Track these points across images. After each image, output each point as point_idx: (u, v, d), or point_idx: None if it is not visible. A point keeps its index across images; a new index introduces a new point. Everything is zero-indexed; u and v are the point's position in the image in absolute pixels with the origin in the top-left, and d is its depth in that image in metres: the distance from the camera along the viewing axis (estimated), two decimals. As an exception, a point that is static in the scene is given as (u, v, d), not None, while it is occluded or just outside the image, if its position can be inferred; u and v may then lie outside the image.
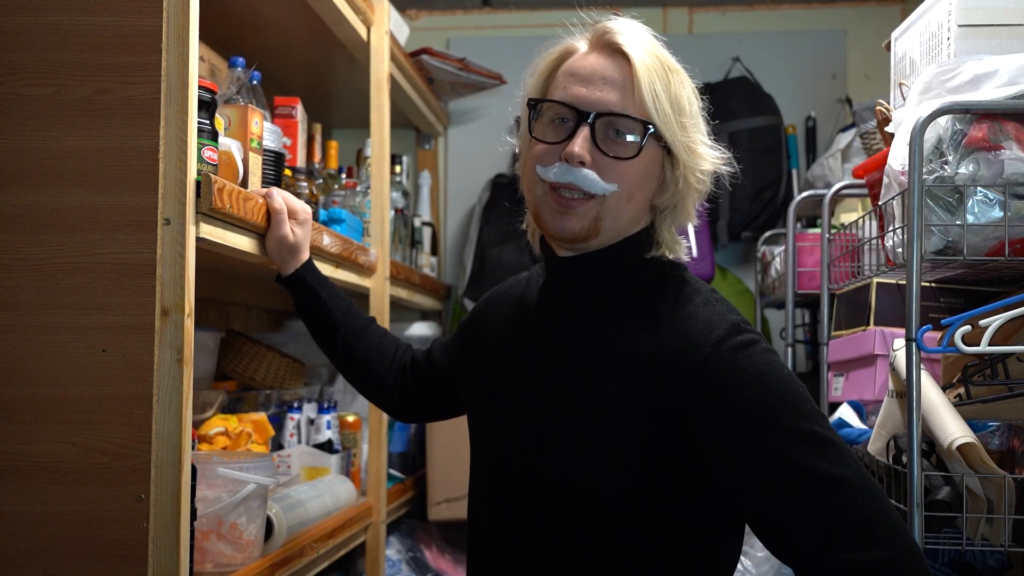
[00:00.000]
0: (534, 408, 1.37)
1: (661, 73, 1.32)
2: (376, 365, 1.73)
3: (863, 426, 1.99)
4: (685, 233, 1.45)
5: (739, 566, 2.37)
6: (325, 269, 1.95)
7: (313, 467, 2.22)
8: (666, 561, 1.31)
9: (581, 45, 1.40)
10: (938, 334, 1.58)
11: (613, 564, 1.30)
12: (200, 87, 1.46)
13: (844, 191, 2.51)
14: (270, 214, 1.65)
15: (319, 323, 1.73)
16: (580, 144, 1.30)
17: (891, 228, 1.67)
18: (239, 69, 1.85)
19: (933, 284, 1.91)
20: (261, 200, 1.63)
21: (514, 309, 1.49)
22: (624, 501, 1.29)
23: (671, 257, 1.41)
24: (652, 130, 1.31)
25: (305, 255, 1.72)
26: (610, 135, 1.31)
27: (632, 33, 1.34)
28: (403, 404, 1.75)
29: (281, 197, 1.67)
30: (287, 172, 2.01)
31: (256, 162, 1.76)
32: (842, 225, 2.40)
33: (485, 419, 1.48)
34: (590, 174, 1.30)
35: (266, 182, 1.82)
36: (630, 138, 1.31)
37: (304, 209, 1.71)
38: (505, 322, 1.49)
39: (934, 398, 1.60)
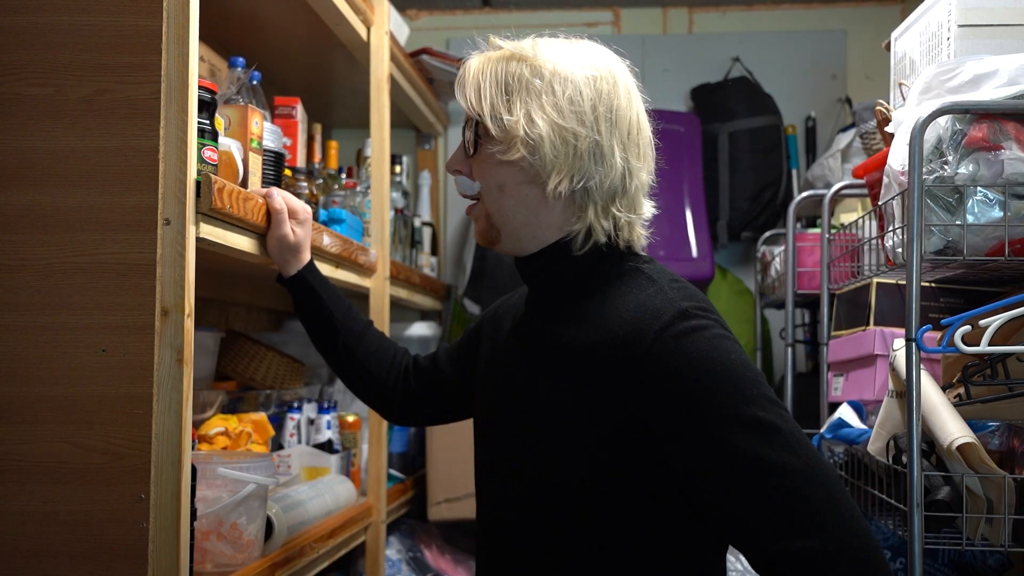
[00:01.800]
0: (514, 408, 1.40)
1: (499, 66, 1.35)
2: (375, 368, 1.72)
3: (863, 426, 1.99)
4: (645, 224, 1.45)
5: (739, 565, 2.37)
6: (325, 269, 1.95)
7: (313, 467, 2.22)
8: (641, 554, 1.31)
9: None
10: (938, 334, 1.58)
11: (591, 558, 1.31)
12: (200, 87, 1.46)
13: (844, 191, 2.51)
14: (270, 214, 1.65)
15: (319, 325, 1.72)
16: (452, 155, 1.42)
17: (891, 228, 1.67)
18: (239, 69, 1.85)
19: (933, 284, 1.91)
20: (261, 200, 1.63)
21: (512, 317, 1.52)
22: (590, 494, 1.30)
23: (634, 248, 1.41)
24: (479, 121, 1.35)
25: (306, 255, 1.72)
26: (471, 137, 1.39)
27: (492, 42, 1.40)
28: (403, 407, 1.75)
29: (281, 197, 1.67)
30: (287, 172, 2.01)
31: (256, 162, 1.76)
32: (842, 225, 2.40)
33: (480, 422, 1.52)
34: (462, 179, 1.41)
35: (266, 182, 1.82)
36: (469, 133, 1.39)
37: (304, 209, 1.71)
38: (504, 330, 1.52)
39: (934, 398, 1.60)
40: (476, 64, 1.37)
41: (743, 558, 2.37)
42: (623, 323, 1.29)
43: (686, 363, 1.23)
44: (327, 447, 2.29)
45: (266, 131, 1.82)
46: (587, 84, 1.33)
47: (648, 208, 1.44)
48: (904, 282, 1.69)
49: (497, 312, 1.59)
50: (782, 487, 1.18)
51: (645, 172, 1.42)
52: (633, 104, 1.39)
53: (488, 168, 1.37)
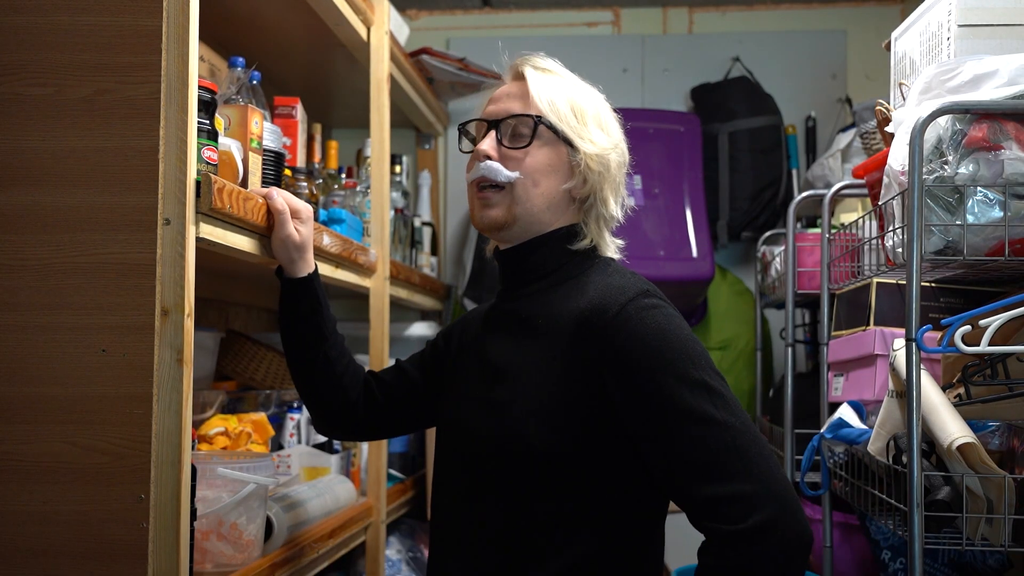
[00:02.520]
0: (486, 385, 1.53)
1: (558, 82, 1.56)
2: (348, 382, 1.72)
3: (863, 426, 1.99)
4: (612, 233, 1.64)
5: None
6: (325, 269, 1.95)
7: (313, 467, 2.22)
8: (600, 515, 1.43)
9: (505, 80, 1.63)
10: (938, 334, 1.58)
11: (549, 521, 1.43)
12: (200, 87, 1.46)
13: (844, 191, 2.51)
14: (272, 215, 1.64)
15: (310, 331, 1.70)
16: (486, 142, 1.55)
17: (891, 228, 1.67)
18: (239, 69, 1.85)
19: (933, 284, 1.91)
20: (261, 200, 1.63)
21: (481, 320, 1.66)
22: (554, 454, 1.43)
23: (606, 255, 1.58)
24: (542, 120, 1.52)
25: (311, 255, 1.71)
26: (512, 133, 1.54)
27: (537, 60, 1.59)
28: (366, 420, 1.75)
29: (282, 197, 1.67)
30: (287, 172, 2.01)
31: (256, 162, 1.76)
32: (842, 225, 2.40)
33: (447, 417, 1.61)
34: (494, 164, 1.53)
35: (266, 182, 1.82)
36: (525, 131, 1.54)
37: (306, 208, 1.70)
38: (473, 331, 1.65)
39: (934, 398, 1.60)
40: (542, 79, 1.56)
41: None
42: (591, 298, 1.46)
43: (645, 331, 1.40)
44: (327, 447, 2.29)
45: (266, 131, 1.82)
46: (621, 127, 1.61)
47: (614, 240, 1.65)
48: (904, 282, 1.69)
49: (465, 320, 1.72)
50: (721, 438, 1.34)
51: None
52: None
53: (535, 162, 1.53)
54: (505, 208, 1.53)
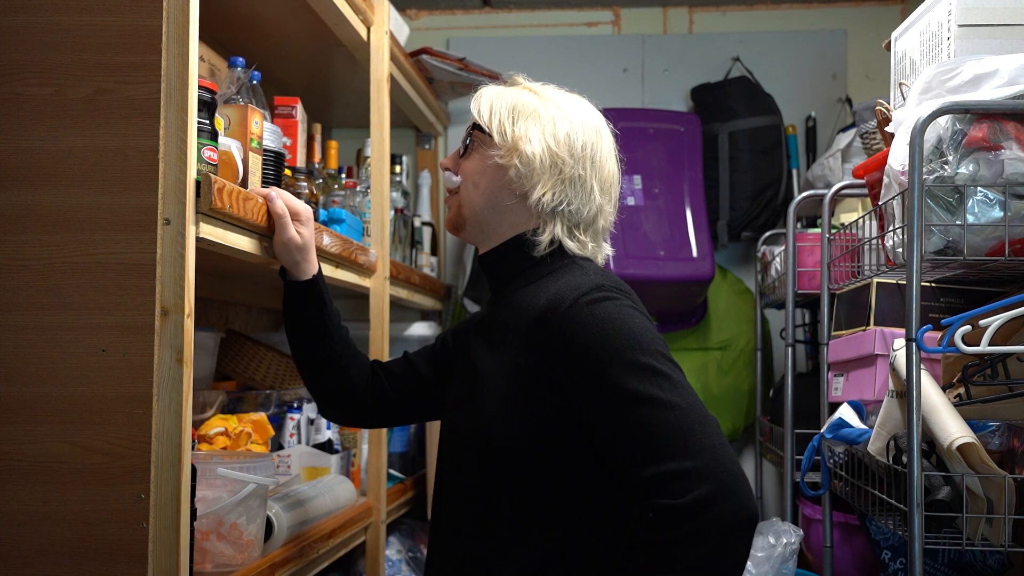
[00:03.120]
0: (467, 388, 1.58)
1: (518, 95, 1.59)
2: (353, 372, 1.76)
3: (863, 426, 1.99)
4: (604, 239, 1.65)
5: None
6: (325, 269, 1.95)
7: (313, 467, 2.22)
8: (565, 510, 1.46)
9: None
10: (938, 334, 1.58)
11: (520, 516, 1.47)
12: (200, 87, 1.46)
13: (844, 191, 2.51)
14: (272, 217, 1.64)
15: (315, 329, 1.73)
16: (450, 155, 1.65)
17: (891, 228, 1.67)
18: (239, 69, 1.85)
19: (933, 284, 1.91)
20: (261, 200, 1.63)
21: (474, 325, 1.68)
22: (517, 450, 1.46)
23: (578, 254, 1.58)
24: (477, 127, 1.59)
25: (314, 255, 1.73)
26: (464, 140, 1.63)
27: (523, 82, 1.65)
28: (373, 409, 1.79)
29: (282, 199, 1.67)
30: (287, 172, 2.01)
31: (256, 162, 1.76)
32: (842, 225, 2.40)
33: (445, 412, 1.66)
34: (447, 174, 1.64)
35: (266, 182, 1.82)
36: (468, 137, 1.62)
37: (306, 209, 1.71)
38: (466, 336, 1.68)
39: (934, 398, 1.60)
40: (493, 89, 1.63)
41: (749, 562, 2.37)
42: (548, 296, 1.48)
43: (592, 321, 1.41)
44: (327, 447, 2.29)
45: (266, 131, 1.82)
46: (582, 128, 1.58)
47: (606, 248, 1.64)
48: (904, 282, 1.69)
49: (465, 325, 1.74)
50: (664, 417, 1.34)
51: (612, 216, 1.63)
52: (612, 159, 1.62)
53: (473, 167, 1.60)
54: (455, 210, 1.63)
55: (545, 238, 1.56)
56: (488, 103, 1.60)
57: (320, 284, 1.72)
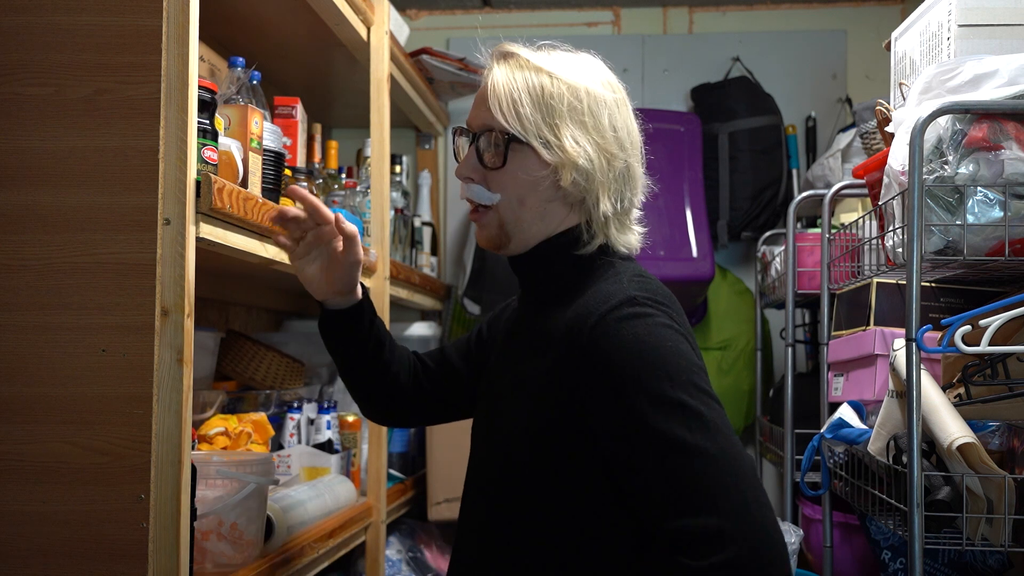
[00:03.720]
0: (497, 395, 1.47)
1: (532, 82, 1.39)
2: (403, 377, 1.65)
3: (863, 426, 1.99)
4: (637, 223, 1.50)
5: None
6: (325, 269, 1.95)
7: (313, 467, 2.22)
8: (586, 538, 1.33)
9: (486, 72, 1.47)
10: (938, 334, 1.58)
11: (542, 539, 1.35)
12: (200, 87, 1.46)
13: (844, 191, 2.51)
14: (344, 237, 1.52)
15: (372, 344, 1.61)
16: (463, 163, 1.44)
17: (891, 228, 1.67)
18: (239, 69, 1.85)
19: (933, 284, 1.91)
20: (261, 200, 1.63)
21: (508, 318, 1.58)
22: (537, 472, 1.35)
23: (621, 249, 1.45)
24: (512, 136, 1.39)
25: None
26: (490, 148, 1.42)
27: (516, 51, 1.42)
28: (414, 407, 1.70)
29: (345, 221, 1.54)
30: (287, 172, 2.01)
31: (256, 162, 1.76)
32: (842, 225, 2.40)
33: (475, 419, 1.56)
34: (477, 188, 1.43)
35: (266, 182, 1.82)
36: (498, 148, 1.41)
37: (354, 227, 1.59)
38: (501, 331, 1.58)
39: (934, 398, 1.60)
40: (503, 78, 1.40)
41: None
42: (577, 307, 1.35)
43: (619, 344, 1.28)
44: (327, 447, 2.29)
45: (266, 131, 1.82)
46: (615, 106, 1.41)
47: (636, 213, 1.49)
48: (904, 282, 1.69)
49: (500, 314, 1.64)
50: (691, 467, 1.21)
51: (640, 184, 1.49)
52: (632, 118, 1.46)
53: (517, 183, 1.41)
54: (496, 228, 1.44)
55: (595, 238, 1.42)
56: (509, 102, 1.39)
57: (368, 300, 1.61)
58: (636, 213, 1.47)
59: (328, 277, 1.54)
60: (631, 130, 1.43)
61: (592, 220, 1.42)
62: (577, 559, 1.34)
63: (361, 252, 1.56)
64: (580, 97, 1.39)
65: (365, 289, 1.62)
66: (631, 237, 1.47)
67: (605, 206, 1.40)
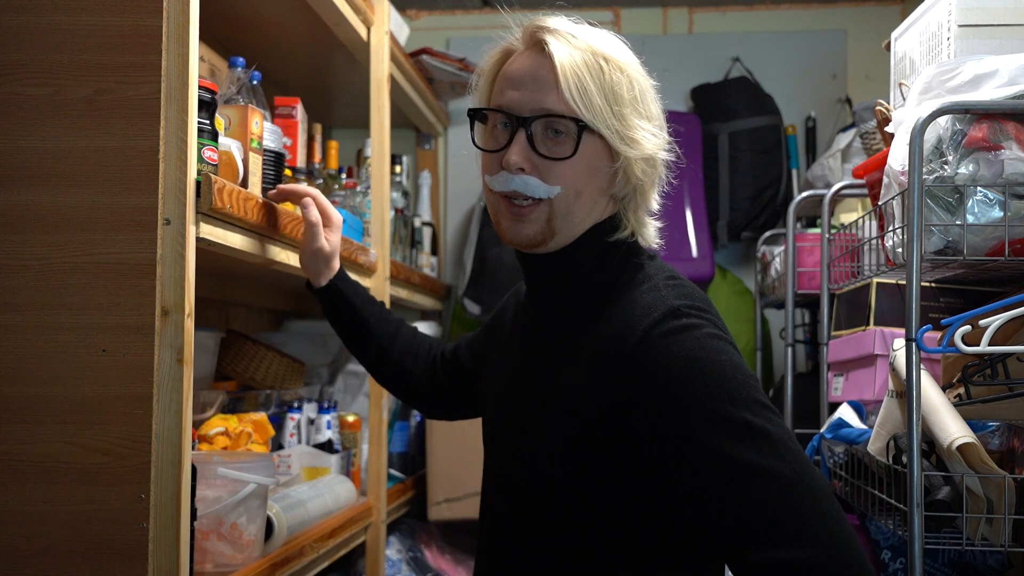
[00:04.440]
0: (514, 402, 1.40)
1: (592, 65, 1.30)
2: (411, 366, 1.72)
3: (863, 426, 1.99)
4: (653, 215, 1.43)
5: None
6: (325, 269, 1.95)
7: (313, 467, 2.22)
8: (626, 558, 1.27)
9: (518, 46, 1.37)
10: (938, 334, 1.58)
11: (575, 558, 1.29)
12: (200, 87, 1.46)
13: (844, 191, 2.51)
14: (305, 225, 1.65)
15: (354, 331, 1.72)
16: (517, 151, 1.30)
17: (891, 228, 1.67)
18: (239, 69, 1.85)
19: (933, 284, 1.91)
20: (261, 200, 1.63)
21: (511, 317, 1.53)
22: (577, 495, 1.28)
23: (641, 243, 1.40)
24: (584, 126, 1.29)
25: (337, 263, 1.71)
26: (548, 136, 1.31)
27: (560, 28, 1.32)
28: (436, 401, 1.75)
29: (315, 207, 1.66)
30: (287, 172, 2.01)
31: (256, 162, 1.76)
32: (842, 225, 2.40)
33: (486, 422, 1.52)
34: (531, 180, 1.30)
35: (266, 182, 1.82)
36: (565, 137, 1.30)
37: (336, 215, 1.70)
38: (510, 321, 1.53)
39: (934, 398, 1.60)
40: (568, 59, 1.29)
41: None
42: (614, 320, 1.27)
43: (672, 362, 1.19)
44: (327, 447, 2.29)
45: (266, 131, 1.82)
46: (651, 89, 1.37)
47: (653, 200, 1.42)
48: (904, 282, 1.69)
49: (505, 303, 1.61)
50: (767, 493, 1.12)
51: None
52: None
53: (577, 173, 1.31)
54: (544, 223, 1.32)
55: (628, 229, 1.36)
56: (579, 86, 1.28)
57: (342, 287, 1.69)
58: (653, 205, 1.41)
59: (300, 259, 1.68)
60: (663, 118, 1.38)
61: (628, 210, 1.37)
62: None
63: (320, 241, 1.64)
64: (634, 83, 1.33)
65: (332, 283, 1.69)
66: (652, 231, 1.41)
67: (651, 201, 1.37)
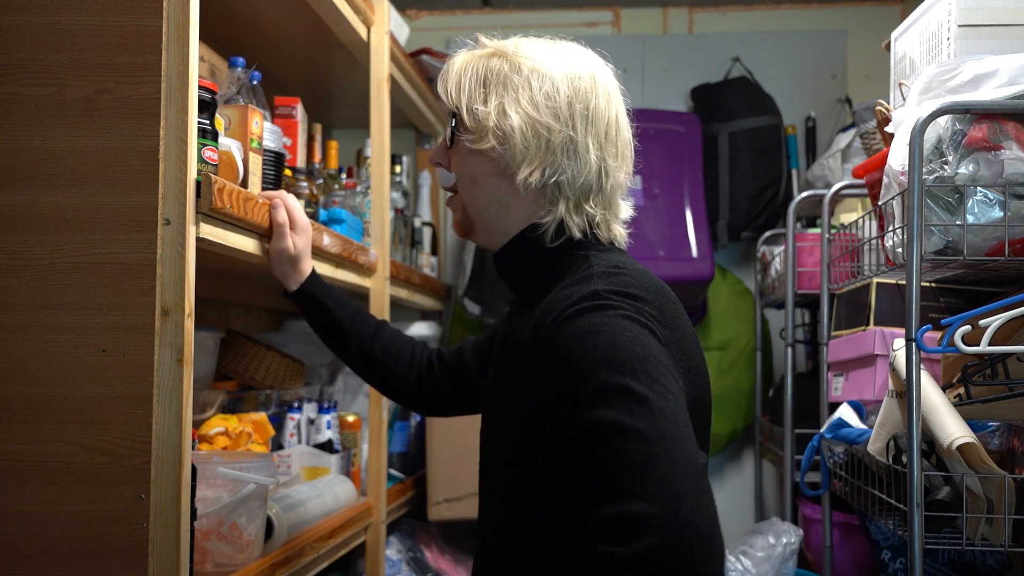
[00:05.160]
0: (490, 403, 1.48)
1: (478, 59, 1.39)
2: (394, 367, 1.76)
3: (863, 426, 1.99)
4: (618, 220, 1.44)
5: (739, 565, 2.37)
6: (325, 269, 1.95)
7: (313, 467, 2.22)
8: (570, 541, 1.30)
9: None
10: (938, 334, 1.58)
11: (540, 544, 1.33)
12: (200, 87, 1.46)
13: (844, 191, 2.51)
14: (272, 225, 1.66)
15: (330, 333, 1.76)
16: (434, 147, 1.44)
17: (891, 228, 1.67)
18: (239, 69, 1.85)
19: (933, 284, 1.91)
20: (263, 201, 1.63)
21: (504, 322, 1.59)
22: (526, 472, 1.33)
23: (601, 238, 1.40)
24: (456, 111, 1.39)
25: (307, 266, 1.74)
26: (447, 132, 1.44)
27: (480, 38, 1.44)
28: (430, 400, 1.79)
29: (284, 209, 1.68)
30: (287, 172, 2.01)
31: (256, 162, 1.76)
32: (842, 225, 2.40)
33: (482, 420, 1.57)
34: (440, 170, 1.46)
35: (266, 182, 1.82)
36: (449, 128, 1.43)
37: (304, 220, 1.72)
38: (503, 331, 1.58)
39: (934, 398, 1.60)
40: (460, 60, 1.41)
41: (743, 558, 2.37)
42: (543, 306, 1.31)
43: (575, 335, 1.22)
44: (327, 447, 2.29)
45: (266, 131, 1.82)
46: (565, 81, 1.36)
47: (625, 209, 1.44)
48: (904, 282, 1.69)
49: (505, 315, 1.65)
50: (625, 451, 1.13)
51: (623, 173, 1.42)
52: (612, 105, 1.40)
53: (462, 159, 1.41)
54: (460, 211, 1.44)
55: (550, 220, 1.37)
56: (456, 78, 1.39)
57: (313, 291, 1.73)
58: (609, 187, 1.40)
59: (268, 261, 1.70)
60: (586, 103, 1.36)
61: (557, 209, 1.38)
62: (563, 559, 1.31)
63: (285, 242, 1.67)
64: (521, 70, 1.36)
65: (301, 289, 1.73)
66: (610, 227, 1.41)
67: (532, 178, 1.35)
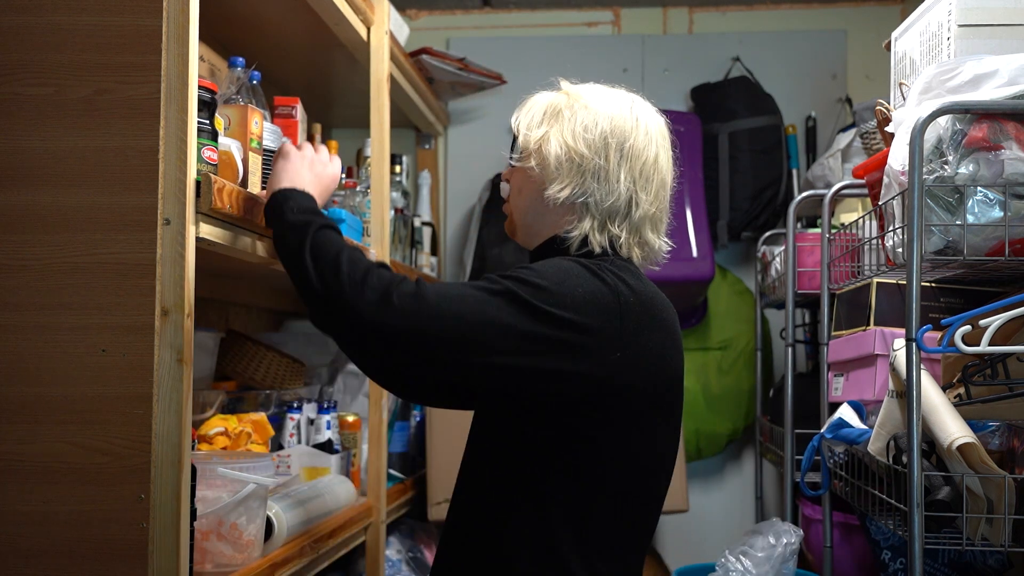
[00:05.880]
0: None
1: (550, 96, 1.61)
2: None
3: (863, 426, 1.99)
4: (651, 242, 1.61)
5: (739, 566, 2.37)
6: (325, 269, 1.95)
7: (313, 467, 2.22)
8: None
9: None
10: (938, 334, 1.58)
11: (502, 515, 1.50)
12: (200, 87, 1.46)
13: (844, 191, 2.51)
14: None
15: None
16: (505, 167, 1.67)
17: (891, 228, 1.67)
18: (239, 69, 1.85)
19: (933, 284, 1.91)
20: (262, 200, 1.63)
21: None
22: (501, 463, 1.51)
23: (606, 251, 1.55)
24: (516, 135, 1.61)
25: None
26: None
27: (567, 83, 1.64)
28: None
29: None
30: (287, 172, 2.01)
31: (256, 162, 1.76)
32: (842, 225, 2.40)
33: None
34: (503, 183, 1.67)
35: (266, 182, 1.82)
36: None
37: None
38: None
39: (934, 398, 1.60)
40: (539, 95, 1.63)
41: (744, 559, 2.37)
42: None
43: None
44: (327, 447, 2.29)
45: (266, 131, 1.82)
46: (606, 119, 1.55)
47: (655, 240, 1.59)
48: (904, 282, 1.69)
49: None
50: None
51: (654, 207, 1.57)
52: (653, 147, 1.56)
53: (513, 174, 1.63)
54: (509, 217, 1.66)
55: (575, 234, 1.54)
56: (526, 110, 1.62)
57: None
58: (637, 217, 1.55)
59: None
60: (623, 140, 1.54)
61: (582, 223, 1.54)
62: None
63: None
64: (573, 107, 1.56)
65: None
66: (624, 243, 1.56)
67: (561, 193, 1.53)
